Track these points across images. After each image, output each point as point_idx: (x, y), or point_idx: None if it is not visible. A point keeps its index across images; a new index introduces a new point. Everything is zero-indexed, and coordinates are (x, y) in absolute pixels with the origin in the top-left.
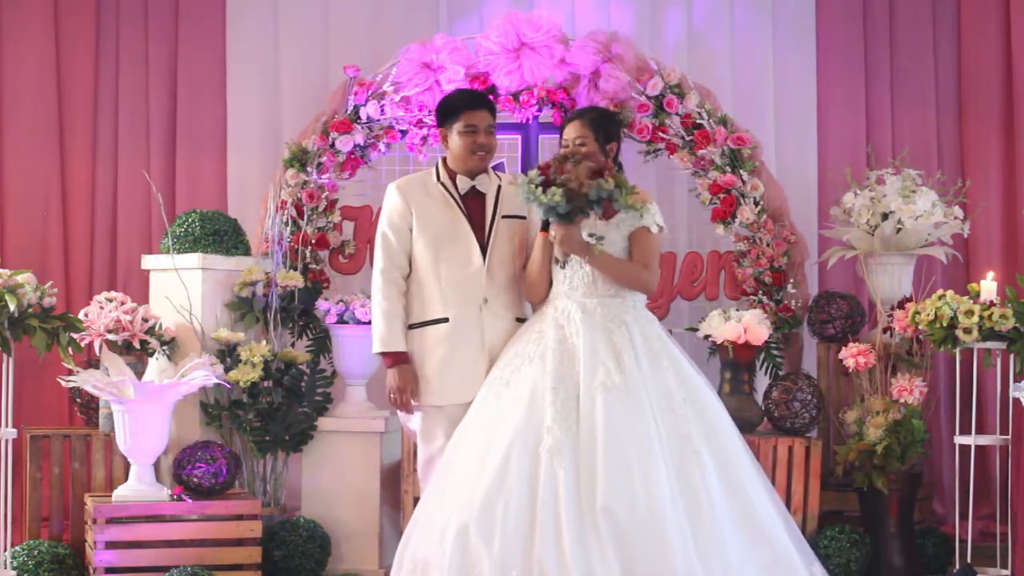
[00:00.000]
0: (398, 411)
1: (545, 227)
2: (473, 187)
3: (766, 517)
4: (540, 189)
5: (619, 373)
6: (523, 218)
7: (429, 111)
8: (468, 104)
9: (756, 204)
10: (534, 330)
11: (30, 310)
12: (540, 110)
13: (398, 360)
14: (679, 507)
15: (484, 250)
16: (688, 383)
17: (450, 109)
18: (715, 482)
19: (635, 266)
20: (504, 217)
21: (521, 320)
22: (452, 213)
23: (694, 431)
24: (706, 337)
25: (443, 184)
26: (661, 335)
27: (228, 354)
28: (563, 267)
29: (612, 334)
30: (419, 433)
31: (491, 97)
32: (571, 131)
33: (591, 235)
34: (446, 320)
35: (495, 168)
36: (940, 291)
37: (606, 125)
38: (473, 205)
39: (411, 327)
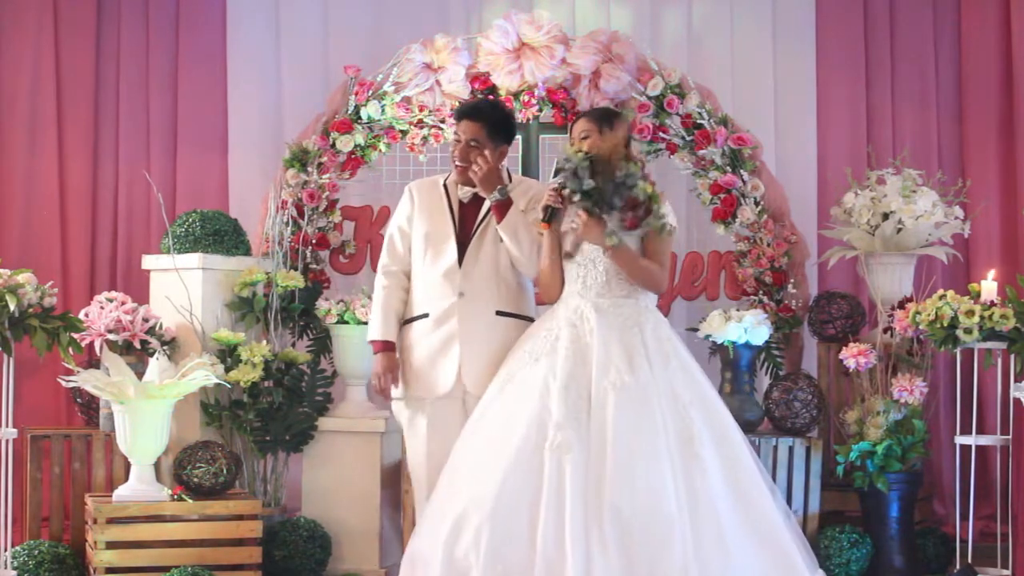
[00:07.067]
0: (392, 410)
1: (548, 219)
2: (475, 193)
3: (771, 521)
4: (576, 152)
5: (630, 373)
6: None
7: (429, 111)
8: (457, 114)
9: (756, 204)
10: (544, 328)
11: (30, 310)
12: (540, 110)
13: (384, 348)
14: (683, 507)
15: (463, 248)
16: (696, 386)
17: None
18: (717, 486)
19: (651, 264)
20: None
21: (501, 313)
22: (442, 216)
23: (697, 434)
24: (706, 337)
25: (445, 187)
26: (672, 337)
27: (228, 354)
28: (573, 258)
29: (625, 334)
30: (404, 427)
31: (490, 97)
32: (578, 127)
33: (611, 232)
34: (426, 316)
35: None
36: (940, 291)
37: (609, 117)
38: (470, 210)
39: (405, 322)
